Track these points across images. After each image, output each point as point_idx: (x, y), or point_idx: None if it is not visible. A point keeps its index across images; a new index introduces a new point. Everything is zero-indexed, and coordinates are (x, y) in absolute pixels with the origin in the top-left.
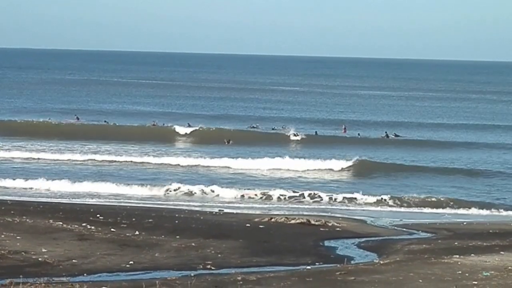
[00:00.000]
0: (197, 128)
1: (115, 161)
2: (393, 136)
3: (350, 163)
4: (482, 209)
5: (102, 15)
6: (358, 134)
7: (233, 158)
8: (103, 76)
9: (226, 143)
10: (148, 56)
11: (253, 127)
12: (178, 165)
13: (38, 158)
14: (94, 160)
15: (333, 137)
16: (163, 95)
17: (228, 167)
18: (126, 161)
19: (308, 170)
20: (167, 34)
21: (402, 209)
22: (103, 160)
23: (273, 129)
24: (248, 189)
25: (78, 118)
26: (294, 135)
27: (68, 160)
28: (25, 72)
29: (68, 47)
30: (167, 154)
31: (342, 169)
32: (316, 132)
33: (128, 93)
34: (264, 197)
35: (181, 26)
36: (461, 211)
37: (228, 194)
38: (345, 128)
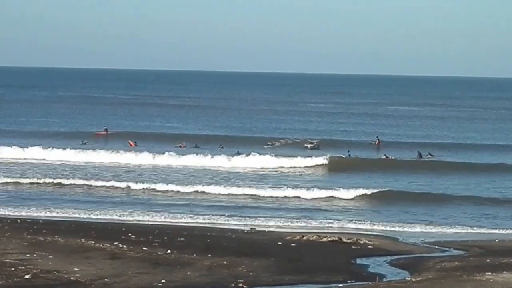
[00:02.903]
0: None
1: None
2: (429, 156)
3: (374, 191)
4: None
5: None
6: (385, 154)
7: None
8: (122, 95)
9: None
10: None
11: (269, 144)
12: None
13: None
14: None
15: (365, 160)
16: (187, 115)
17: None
18: None
19: (328, 197)
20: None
21: (433, 229)
22: None
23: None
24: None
25: (107, 130)
26: (310, 143)
27: None
28: (39, 91)
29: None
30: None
31: (364, 198)
32: (348, 151)
33: (149, 113)
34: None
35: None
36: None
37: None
38: (378, 140)
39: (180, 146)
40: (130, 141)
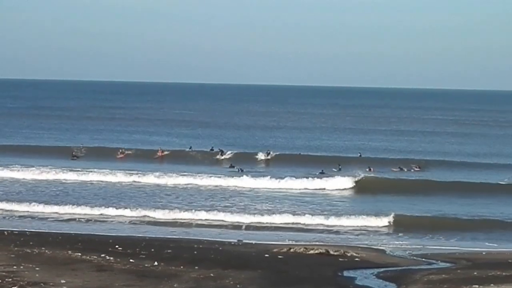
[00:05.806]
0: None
1: None
2: (417, 169)
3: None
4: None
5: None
6: (369, 167)
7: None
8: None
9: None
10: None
11: (214, 150)
12: None
13: None
14: None
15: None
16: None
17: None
18: None
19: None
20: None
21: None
22: None
23: (321, 172)
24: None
25: (162, 151)
26: (266, 154)
27: None
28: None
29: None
30: None
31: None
32: (339, 165)
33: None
34: None
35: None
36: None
37: None
38: (360, 155)
39: (121, 153)
40: (121, 151)
